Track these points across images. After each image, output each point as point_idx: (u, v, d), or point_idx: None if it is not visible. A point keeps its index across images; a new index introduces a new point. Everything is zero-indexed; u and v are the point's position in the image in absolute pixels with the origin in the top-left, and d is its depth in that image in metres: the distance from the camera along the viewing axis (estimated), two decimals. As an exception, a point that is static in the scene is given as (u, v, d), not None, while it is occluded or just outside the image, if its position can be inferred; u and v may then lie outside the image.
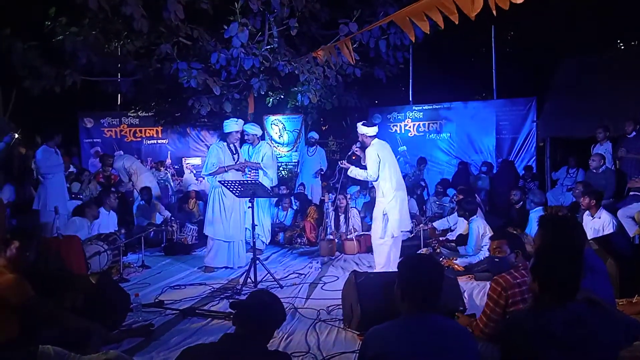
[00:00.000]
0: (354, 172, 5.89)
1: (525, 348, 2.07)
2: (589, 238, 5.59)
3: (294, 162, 11.34)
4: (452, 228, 7.16)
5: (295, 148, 11.50)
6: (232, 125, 6.37)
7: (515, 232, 6.47)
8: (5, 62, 8.05)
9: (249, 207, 5.59)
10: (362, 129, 5.92)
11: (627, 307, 3.87)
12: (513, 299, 2.90)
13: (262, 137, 8.16)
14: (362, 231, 7.79)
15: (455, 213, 6.76)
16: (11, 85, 8.59)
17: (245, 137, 7.43)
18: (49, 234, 6.26)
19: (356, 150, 6.11)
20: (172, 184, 10.74)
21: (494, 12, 4.02)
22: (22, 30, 8.16)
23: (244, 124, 6.75)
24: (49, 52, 8.35)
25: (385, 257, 5.74)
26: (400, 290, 2.21)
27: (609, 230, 5.65)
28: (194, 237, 7.97)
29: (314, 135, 10.23)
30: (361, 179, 6.03)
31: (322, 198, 8.71)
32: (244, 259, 6.46)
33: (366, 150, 5.90)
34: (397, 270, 2.30)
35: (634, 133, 7.56)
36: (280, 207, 8.83)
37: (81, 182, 8.52)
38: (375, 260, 5.98)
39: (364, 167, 5.89)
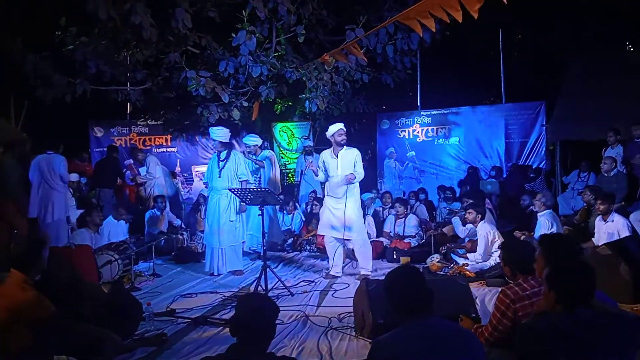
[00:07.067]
0: (358, 177, 6.04)
1: (539, 353, 2.11)
2: (602, 242, 5.58)
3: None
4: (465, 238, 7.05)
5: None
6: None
7: (524, 235, 6.48)
8: (18, 72, 8.15)
9: (258, 215, 5.61)
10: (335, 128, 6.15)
11: (642, 313, 3.83)
12: (523, 312, 2.86)
13: (263, 146, 8.20)
14: (375, 237, 7.78)
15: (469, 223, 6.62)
16: (24, 95, 8.70)
17: (247, 150, 7.49)
18: (62, 243, 6.30)
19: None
20: (182, 192, 10.78)
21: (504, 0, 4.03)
22: (33, 40, 8.26)
23: (244, 136, 6.80)
24: (60, 62, 8.44)
25: None
26: (393, 304, 2.36)
27: (624, 232, 5.60)
28: (204, 245, 7.98)
29: (310, 143, 10.23)
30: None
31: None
32: (228, 267, 6.52)
33: (351, 149, 6.15)
34: (384, 287, 2.46)
35: None
36: (284, 211, 8.82)
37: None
38: (368, 263, 6.16)
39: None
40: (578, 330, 2.06)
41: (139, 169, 9.17)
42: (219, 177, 6.42)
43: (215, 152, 6.69)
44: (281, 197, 6.89)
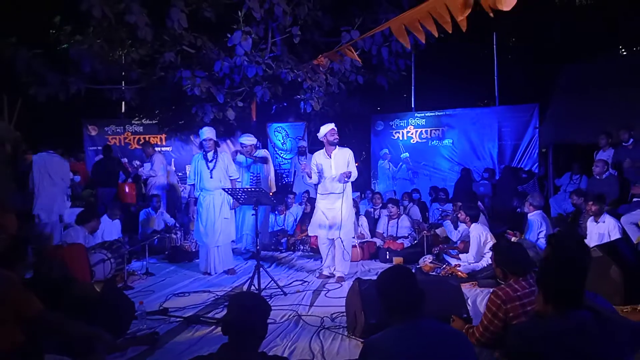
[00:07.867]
0: (352, 176, 6.06)
1: (531, 355, 2.09)
2: (593, 244, 5.62)
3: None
4: (457, 241, 7.09)
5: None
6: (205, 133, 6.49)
7: (515, 236, 6.52)
8: (11, 70, 8.11)
9: (252, 215, 5.62)
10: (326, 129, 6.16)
11: (632, 315, 3.87)
12: (514, 312, 2.88)
13: (257, 145, 8.21)
14: (368, 238, 7.80)
15: (463, 224, 6.65)
16: (17, 93, 8.65)
17: (244, 150, 7.49)
18: (53, 241, 6.27)
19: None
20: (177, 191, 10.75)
21: (491, 14, 4.02)
22: (27, 38, 8.23)
23: (240, 136, 6.79)
24: (54, 60, 8.41)
25: None
26: (384, 304, 2.35)
27: (615, 233, 5.65)
28: (197, 244, 7.99)
29: (303, 143, 10.26)
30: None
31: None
32: (223, 266, 6.54)
33: (344, 149, 6.18)
34: (376, 287, 2.45)
35: (631, 140, 7.57)
36: (276, 212, 8.84)
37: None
38: (347, 266, 6.20)
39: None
40: (571, 332, 2.05)
41: (144, 164, 9.18)
42: (211, 177, 6.39)
43: (201, 152, 6.60)
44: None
